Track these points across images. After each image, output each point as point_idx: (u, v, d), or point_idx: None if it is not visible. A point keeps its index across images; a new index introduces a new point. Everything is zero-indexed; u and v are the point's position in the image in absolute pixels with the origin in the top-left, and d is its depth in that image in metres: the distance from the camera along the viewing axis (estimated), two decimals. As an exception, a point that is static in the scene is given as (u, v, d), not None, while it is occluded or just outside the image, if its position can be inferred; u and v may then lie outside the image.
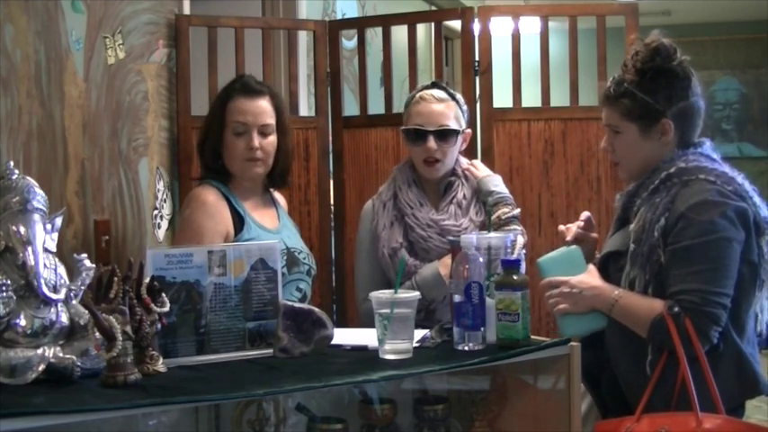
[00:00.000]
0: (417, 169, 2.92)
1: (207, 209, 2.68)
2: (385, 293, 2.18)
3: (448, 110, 2.88)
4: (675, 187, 2.30)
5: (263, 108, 2.80)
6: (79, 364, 1.85)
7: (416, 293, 2.16)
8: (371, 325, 2.74)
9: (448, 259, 2.61)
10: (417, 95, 2.93)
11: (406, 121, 2.94)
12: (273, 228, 2.80)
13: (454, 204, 2.87)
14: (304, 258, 2.81)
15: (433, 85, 2.95)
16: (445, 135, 2.86)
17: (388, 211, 2.90)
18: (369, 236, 2.93)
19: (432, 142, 2.84)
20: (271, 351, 2.12)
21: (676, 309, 2.19)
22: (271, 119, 2.80)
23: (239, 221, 2.71)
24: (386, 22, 3.87)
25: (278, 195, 2.97)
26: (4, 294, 1.85)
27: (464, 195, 2.89)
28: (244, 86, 2.82)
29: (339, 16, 4.95)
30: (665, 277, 2.26)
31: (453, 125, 2.88)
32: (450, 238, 2.54)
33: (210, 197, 2.72)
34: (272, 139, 2.80)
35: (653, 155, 2.39)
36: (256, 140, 2.76)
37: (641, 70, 2.38)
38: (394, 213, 2.89)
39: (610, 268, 2.41)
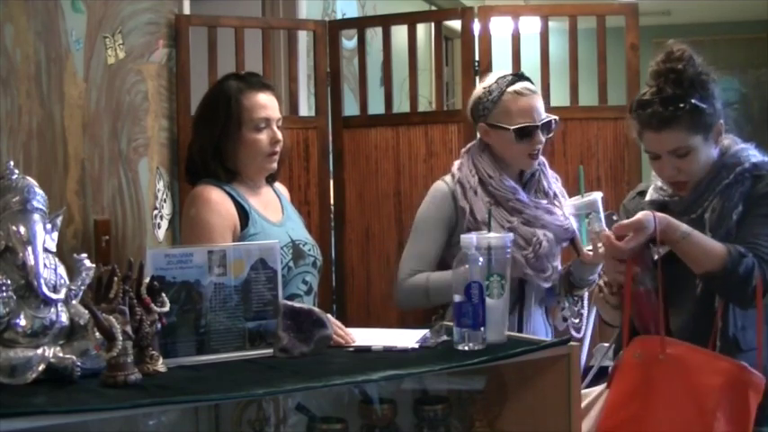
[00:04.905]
0: (514, 162, 2.85)
1: (212, 206, 2.66)
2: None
3: (541, 100, 2.87)
4: (749, 180, 2.38)
5: (276, 102, 2.79)
6: (79, 364, 1.85)
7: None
8: (409, 304, 2.84)
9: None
10: (511, 90, 2.81)
11: (497, 119, 2.81)
12: (278, 221, 2.77)
13: (542, 192, 2.89)
14: (309, 250, 2.77)
15: (519, 78, 2.86)
16: (550, 126, 2.84)
17: (480, 198, 2.80)
18: (441, 219, 2.83)
19: (540, 136, 2.81)
20: (271, 351, 2.12)
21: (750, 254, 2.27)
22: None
23: (244, 216, 2.68)
24: (386, 22, 3.87)
25: (279, 186, 2.93)
26: (4, 294, 1.85)
27: (548, 185, 2.90)
28: (254, 82, 2.78)
29: (339, 16, 4.95)
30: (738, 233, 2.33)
31: (547, 115, 2.86)
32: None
33: (214, 194, 2.69)
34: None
35: (711, 157, 2.43)
36: (279, 133, 2.75)
37: (694, 81, 2.39)
38: (488, 200, 2.79)
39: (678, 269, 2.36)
